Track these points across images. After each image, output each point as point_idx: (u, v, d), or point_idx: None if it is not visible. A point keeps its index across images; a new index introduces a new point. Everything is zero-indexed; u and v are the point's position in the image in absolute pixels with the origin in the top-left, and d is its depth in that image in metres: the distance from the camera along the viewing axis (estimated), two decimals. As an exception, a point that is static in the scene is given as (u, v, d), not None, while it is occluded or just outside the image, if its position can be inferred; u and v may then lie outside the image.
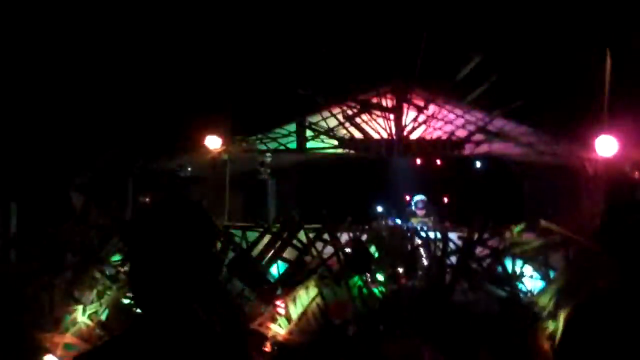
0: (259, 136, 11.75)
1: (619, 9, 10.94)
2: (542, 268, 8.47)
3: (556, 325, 7.35)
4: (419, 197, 11.93)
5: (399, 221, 10.93)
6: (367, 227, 9.60)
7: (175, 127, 10.98)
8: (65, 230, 8.75)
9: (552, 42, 11.48)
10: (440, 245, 8.92)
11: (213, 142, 11.12)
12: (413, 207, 11.88)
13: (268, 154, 11.60)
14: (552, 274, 8.28)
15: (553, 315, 7.56)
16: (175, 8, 11.76)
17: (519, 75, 11.59)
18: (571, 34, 11.20)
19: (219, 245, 9.49)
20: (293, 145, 11.65)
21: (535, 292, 8.22)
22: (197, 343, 2.41)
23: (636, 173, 9.91)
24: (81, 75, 11.32)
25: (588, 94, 10.44)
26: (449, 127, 11.02)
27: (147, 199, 10.46)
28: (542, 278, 8.44)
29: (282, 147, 11.64)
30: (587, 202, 10.19)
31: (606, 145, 9.78)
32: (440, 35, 10.62)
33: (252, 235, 9.42)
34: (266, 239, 9.37)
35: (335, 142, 11.33)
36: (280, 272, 8.97)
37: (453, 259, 8.71)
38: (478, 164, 12.48)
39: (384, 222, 10.33)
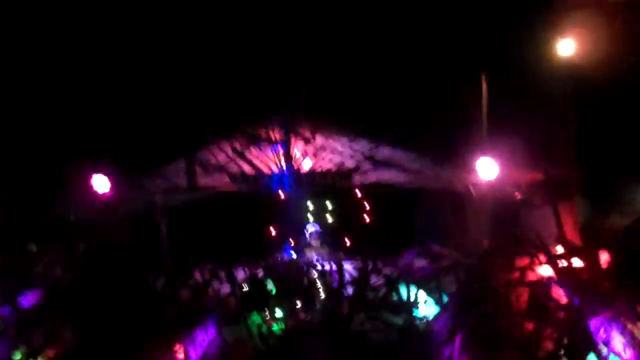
0: (148, 175, 11.55)
1: (492, 36, 11.42)
2: (436, 293, 8.70)
3: (452, 349, 7.59)
4: (312, 227, 11.99)
5: (294, 255, 10.96)
6: (263, 263, 9.59)
7: (59, 170, 10.65)
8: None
9: (432, 68, 11.86)
10: (337, 276, 9.05)
11: (101, 184, 10.82)
12: (308, 238, 11.92)
13: (159, 194, 11.43)
14: (445, 298, 8.52)
15: (449, 339, 7.78)
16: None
17: (401, 102, 11.91)
18: (448, 61, 11.60)
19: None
20: (183, 183, 11.52)
21: (430, 318, 8.44)
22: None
23: (517, 194, 10.33)
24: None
25: (468, 119, 10.82)
26: (337, 158, 11.18)
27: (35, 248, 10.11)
28: (436, 303, 8.67)
29: (172, 186, 11.49)
30: (474, 224, 10.55)
31: (487, 168, 10.14)
32: (324, 66, 10.81)
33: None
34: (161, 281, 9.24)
35: (227, 179, 11.30)
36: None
37: (349, 289, 8.85)
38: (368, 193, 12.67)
39: (279, 257, 10.34)
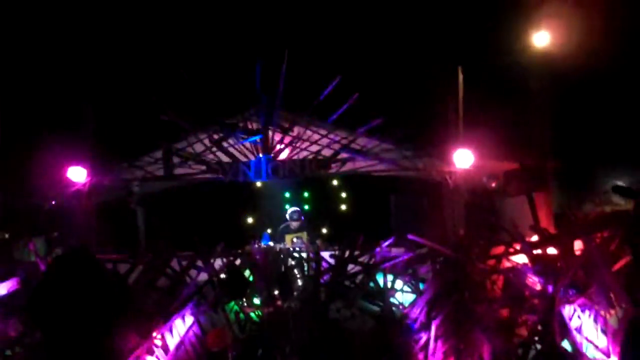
0: (125, 164, 11.51)
1: (469, 27, 11.51)
2: (412, 281, 8.77)
3: (428, 336, 7.66)
4: (293, 209, 12.07)
5: (271, 243, 10.99)
6: (240, 251, 9.61)
7: (35, 158, 10.58)
8: None
9: (408, 60, 11.94)
10: (314, 264, 9.08)
11: (77, 174, 10.78)
12: (288, 219, 11.96)
13: (136, 183, 11.38)
14: (421, 286, 8.59)
15: (425, 326, 7.86)
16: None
17: (377, 93, 11.97)
18: (425, 52, 11.69)
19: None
20: (160, 173, 11.48)
21: (406, 305, 8.51)
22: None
23: (493, 183, 10.43)
24: None
25: (444, 110, 10.91)
26: (314, 148, 11.21)
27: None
28: (413, 291, 8.74)
29: (149, 175, 11.45)
30: (450, 213, 10.64)
31: (463, 158, 10.23)
32: (301, 55, 10.83)
33: (123, 267, 9.24)
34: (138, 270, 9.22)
35: (203, 167, 11.28)
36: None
37: (327, 277, 8.88)
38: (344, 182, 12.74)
39: (257, 245, 10.36)
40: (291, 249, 10.43)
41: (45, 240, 10.19)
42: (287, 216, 12.00)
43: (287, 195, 13.35)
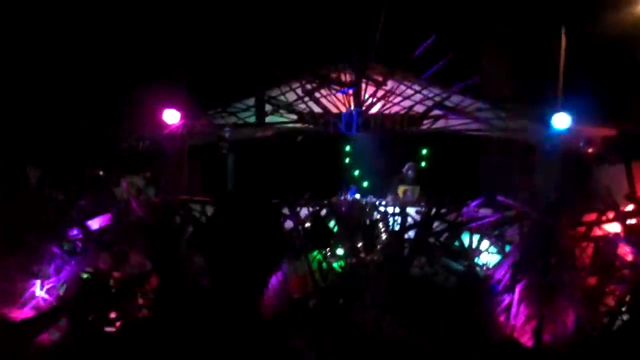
0: (218, 110, 11.68)
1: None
2: (498, 242, 8.64)
3: (511, 298, 7.56)
4: (409, 163, 12.07)
5: (358, 196, 11.01)
6: (326, 202, 9.65)
7: (131, 100, 10.85)
8: (22, 205, 8.66)
9: (509, 19, 11.62)
10: (399, 219, 9.06)
11: (171, 116, 11.04)
12: (404, 171, 11.96)
13: (227, 128, 11.54)
14: (507, 248, 8.46)
15: (509, 289, 7.75)
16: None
17: (475, 51, 11.73)
18: (526, 11, 11.34)
19: (177, 219, 9.52)
20: (252, 120, 11.62)
21: (491, 266, 8.40)
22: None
23: (590, 149, 10.13)
24: (31, 46, 11.09)
25: (543, 71, 10.61)
26: (407, 103, 11.10)
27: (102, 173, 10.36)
28: (498, 252, 8.62)
29: (240, 122, 11.60)
30: (543, 177, 10.40)
31: (561, 121, 9.96)
32: (398, 10, 10.67)
33: (211, 210, 9.42)
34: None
35: (295, 117, 11.34)
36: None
37: (411, 233, 8.85)
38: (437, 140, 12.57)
39: (343, 197, 10.39)
40: (380, 202, 10.37)
41: (141, 179, 10.48)
42: (404, 169, 11.98)
43: (378, 149, 13.26)
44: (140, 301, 7.95)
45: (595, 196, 8.64)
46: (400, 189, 11.58)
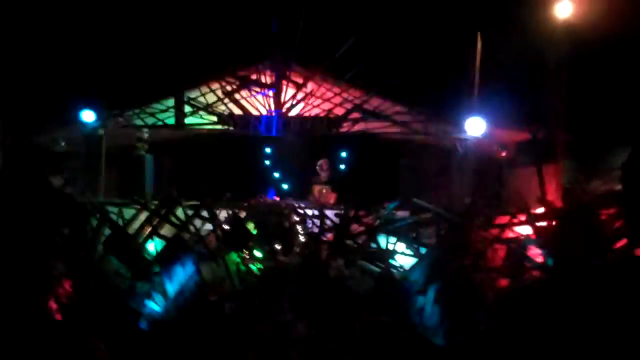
0: (137, 111, 11.51)
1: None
2: (414, 245, 8.77)
3: (425, 300, 7.68)
4: (323, 160, 12.01)
5: (277, 198, 11.01)
6: (245, 204, 9.61)
7: (49, 100, 10.60)
8: None
9: (427, 23, 11.80)
10: (317, 222, 9.10)
11: (88, 117, 10.83)
12: (318, 169, 11.92)
13: (145, 130, 11.38)
14: (423, 250, 8.59)
15: (423, 291, 7.88)
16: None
17: (394, 55, 11.86)
18: (444, 16, 11.54)
19: (94, 222, 9.33)
20: (171, 121, 11.49)
21: (407, 268, 8.52)
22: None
23: (503, 152, 10.37)
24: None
25: (459, 76, 10.82)
26: (327, 105, 11.16)
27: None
28: (414, 255, 8.74)
29: (160, 123, 11.46)
30: (458, 179, 10.61)
31: (475, 125, 10.16)
32: (319, 12, 10.72)
33: (128, 213, 9.29)
34: (143, 215, 9.27)
35: (214, 118, 11.27)
36: (158, 250, 8.88)
37: (329, 235, 8.89)
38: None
39: (262, 199, 10.36)
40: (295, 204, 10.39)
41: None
42: (317, 166, 11.96)
43: (297, 151, 13.28)
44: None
45: (507, 199, 8.87)
46: (316, 189, 11.60)
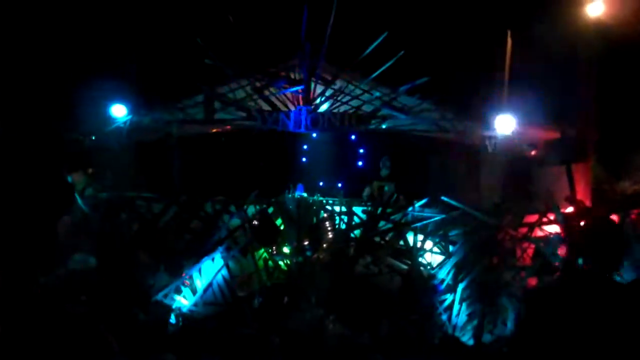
0: (166, 106, 11.57)
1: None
2: (442, 242, 8.77)
3: (453, 297, 7.69)
4: (384, 157, 12.04)
5: (305, 194, 11.03)
6: (274, 199, 9.66)
7: (80, 94, 10.70)
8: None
9: (457, 21, 11.76)
10: (345, 218, 9.12)
11: (119, 111, 10.92)
12: (381, 166, 11.94)
13: (175, 125, 11.44)
14: (451, 248, 8.59)
15: (451, 288, 7.89)
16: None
17: (424, 53, 11.83)
18: (475, 15, 11.50)
19: (123, 216, 9.44)
20: (200, 116, 11.54)
21: (434, 266, 8.53)
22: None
23: (532, 151, 10.31)
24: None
25: (489, 74, 10.77)
26: (355, 102, 11.15)
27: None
28: (442, 252, 8.74)
29: (189, 118, 11.51)
30: (487, 178, 10.56)
31: (505, 123, 10.10)
32: (349, 9, 10.72)
33: (157, 207, 9.39)
34: (172, 210, 9.37)
35: (244, 114, 11.30)
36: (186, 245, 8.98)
37: (357, 232, 8.93)
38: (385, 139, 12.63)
39: (291, 195, 10.38)
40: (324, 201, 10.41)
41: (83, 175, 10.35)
42: (380, 163, 11.98)
43: (327, 147, 13.29)
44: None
45: (537, 198, 8.83)
46: (375, 185, 11.64)
